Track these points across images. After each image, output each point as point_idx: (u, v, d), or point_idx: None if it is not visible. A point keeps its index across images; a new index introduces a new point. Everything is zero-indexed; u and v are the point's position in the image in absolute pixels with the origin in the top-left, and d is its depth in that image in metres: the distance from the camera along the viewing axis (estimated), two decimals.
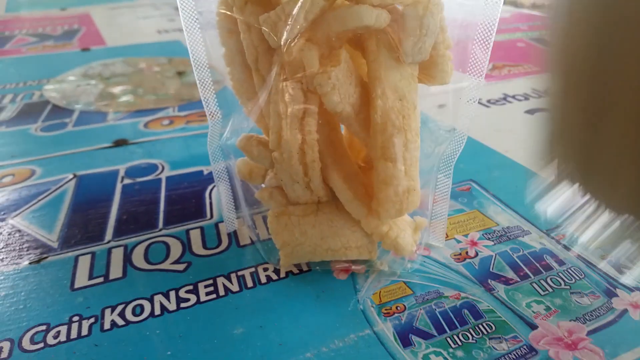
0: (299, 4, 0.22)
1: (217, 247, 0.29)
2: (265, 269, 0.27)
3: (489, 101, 0.49)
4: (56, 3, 0.92)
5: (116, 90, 0.51)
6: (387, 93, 0.24)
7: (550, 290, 0.26)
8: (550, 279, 0.27)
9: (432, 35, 0.24)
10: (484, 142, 0.41)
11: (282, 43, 0.23)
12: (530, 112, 0.47)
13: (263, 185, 0.28)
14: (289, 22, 0.22)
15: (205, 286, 0.26)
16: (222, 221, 0.30)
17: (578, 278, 0.27)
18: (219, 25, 0.25)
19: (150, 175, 0.36)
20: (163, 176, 0.35)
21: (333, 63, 0.23)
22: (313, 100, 0.24)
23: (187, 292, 0.26)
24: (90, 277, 0.27)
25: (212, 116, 0.27)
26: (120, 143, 0.40)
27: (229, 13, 0.25)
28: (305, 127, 0.24)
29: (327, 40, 0.24)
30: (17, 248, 0.29)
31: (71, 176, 0.36)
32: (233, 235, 0.30)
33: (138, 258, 0.28)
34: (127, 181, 0.35)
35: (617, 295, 0.26)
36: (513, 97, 0.50)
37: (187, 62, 0.27)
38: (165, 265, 0.27)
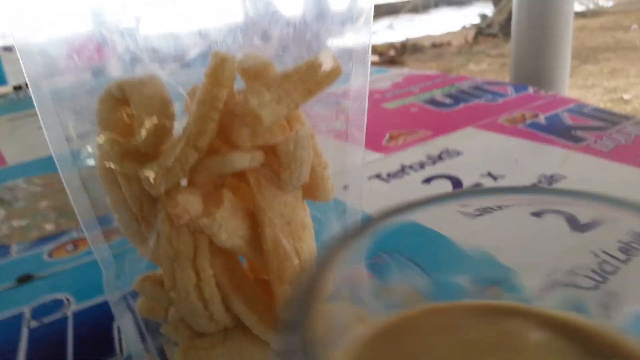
0: (175, 158, 0.23)
1: None
2: None
3: (388, 175, 0.51)
4: None
5: (19, 216, 0.50)
6: (274, 221, 0.25)
7: None
8: None
9: (307, 164, 0.25)
10: None
11: (163, 193, 0.23)
12: (426, 181, 0.50)
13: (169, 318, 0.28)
14: (168, 176, 0.23)
15: None
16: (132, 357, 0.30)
17: None
18: (101, 177, 0.26)
19: (56, 313, 0.35)
20: (70, 313, 0.35)
21: (216, 204, 0.24)
22: (202, 239, 0.25)
23: None
24: None
25: (96, 243, 0.27)
26: (25, 279, 0.39)
27: (109, 166, 0.25)
28: (199, 266, 0.25)
29: (207, 181, 0.25)
30: None
31: None
32: None
33: None
34: (33, 324, 0.34)
35: None
36: (410, 167, 0.52)
37: None
38: None
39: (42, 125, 0.26)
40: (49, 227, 0.47)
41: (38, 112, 0.25)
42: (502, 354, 0.16)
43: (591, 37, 3.81)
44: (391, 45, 4.04)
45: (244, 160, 0.23)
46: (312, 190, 0.27)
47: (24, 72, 0.25)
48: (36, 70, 0.25)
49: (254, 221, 0.26)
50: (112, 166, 0.25)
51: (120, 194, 0.26)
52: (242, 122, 0.24)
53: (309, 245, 0.26)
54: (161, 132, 0.24)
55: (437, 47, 4.22)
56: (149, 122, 0.23)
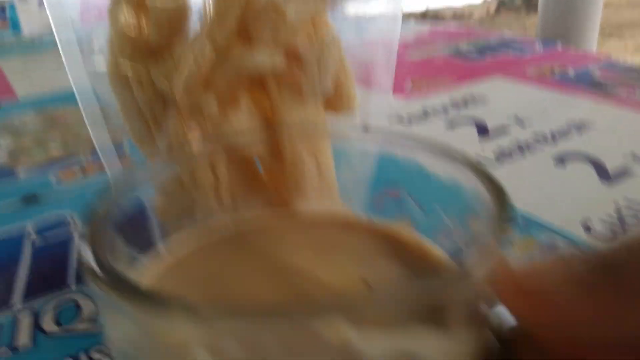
0: (191, 53, 0.21)
1: None
2: None
3: (409, 118, 0.49)
4: None
5: (27, 144, 0.49)
6: (294, 133, 0.24)
7: None
8: None
9: (331, 71, 0.23)
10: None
11: (177, 93, 0.22)
12: (450, 124, 0.48)
13: None
14: (183, 73, 0.22)
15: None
16: None
17: None
18: (111, 80, 0.24)
19: (61, 230, 0.34)
20: (74, 230, 0.34)
21: (232, 107, 0.23)
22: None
23: (97, 351, 0.24)
24: None
25: (112, 166, 0.26)
26: (30, 199, 0.38)
27: (118, 66, 0.24)
28: (217, 170, 0.23)
29: (224, 84, 0.23)
30: None
31: None
32: None
33: (48, 322, 0.26)
34: (36, 239, 0.33)
35: None
36: (433, 111, 0.50)
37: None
38: (76, 326, 0.26)
39: (62, 54, 0.26)
40: (58, 152, 0.46)
41: (59, 47, 0.26)
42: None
43: (616, 14, 3.70)
44: (411, 15, 3.97)
45: (265, 57, 0.22)
46: (334, 102, 0.25)
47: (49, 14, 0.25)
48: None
49: (274, 133, 0.24)
50: (122, 65, 0.23)
51: (130, 98, 0.24)
52: (265, 17, 0.22)
53: (328, 159, 0.25)
54: (175, 21, 0.22)
55: (458, 18, 4.14)
56: (163, 9, 0.21)
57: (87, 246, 0.13)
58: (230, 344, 0.10)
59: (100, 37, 0.25)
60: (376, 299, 0.10)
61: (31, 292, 0.29)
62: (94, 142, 0.27)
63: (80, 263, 0.13)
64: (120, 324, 0.13)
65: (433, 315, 0.12)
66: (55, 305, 0.27)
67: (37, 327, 0.26)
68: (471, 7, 4.43)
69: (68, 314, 0.27)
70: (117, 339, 0.13)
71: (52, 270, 0.30)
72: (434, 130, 0.47)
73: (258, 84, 0.25)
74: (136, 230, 0.18)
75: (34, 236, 0.34)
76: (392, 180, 0.21)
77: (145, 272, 0.17)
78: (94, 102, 0.27)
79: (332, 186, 0.24)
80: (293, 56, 0.23)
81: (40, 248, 0.33)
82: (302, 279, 0.16)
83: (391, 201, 0.21)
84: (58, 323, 0.26)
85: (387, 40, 0.27)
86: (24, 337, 0.25)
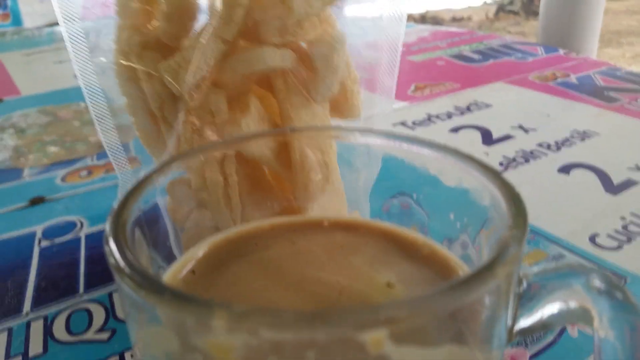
0: (199, 49, 0.21)
1: None
2: None
3: (414, 123, 0.49)
4: None
5: (32, 143, 0.48)
6: (303, 137, 0.24)
7: None
8: None
9: (339, 72, 0.23)
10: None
11: (185, 90, 0.22)
12: (454, 130, 0.48)
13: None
14: (191, 69, 0.22)
15: (132, 355, 0.24)
16: None
17: None
18: (118, 74, 0.24)
19: (68, 234, 0.34)
20: (82, 234, 0.33)
21: (242, 110, 0.23)
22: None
23: None
24: (7, 357, 0.24)
25: (122, 168, 0.26)
26: (36, 201, 0.38)
27: (126, 60, 0.23)
28: (226, 170, 0.23)
29: (233, 82, 0.23)
30: None
31: None
32: None
33: (59, 330, 0.26)
34: (45, 243, 0.33)
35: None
36: (437, 116, 0.50)
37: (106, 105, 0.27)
38: (89, 335, 0.25)
39: (71, 55, 0.25)
40: (63, 153, 0.46)
41: (68, 45, 0.25)
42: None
43: (615, 21, 3.70)
44: (410, 17, 3.96)
45: (274, 56, 0.22)
46: (339, 106, 0.25)
47: (57, 9, 0.25)
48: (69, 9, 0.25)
49: (281, 137, 0.24)
50: (131, 59, 0.23)
51: (138, 93, 0.24)
52: (271, 14, 0.22)
53: (333, 160, 0.24)
54: (184, 17, 0.22)
55: (457, 21, 4.13)
56: (172, 5, 0.21)
57: (116, 249, 0.13)
58: (268, 352, 0.10)
59: (108, 31, 0.25)
60: (417, 310, 0.10)
61: (41, 298, 0.28)
62: (101, 139, 0.27)
63: (113, 267, 0.12)
64: (149, 326, 0.12)
65: (457, 333, 0.12)
66: (67, 313, 0.27)
67: (48, 334, 0.26)
68: (470, 10, 4.42)
69: (79, 321, 0.26)
70: (146, 342, 0.13)
71: (62, 276, 0.30)
72: (438, 135, 0.47)
73: (266, 86, 0.25)
74: (155, 232, 0.18)
75: (42, 240, 0.33)
76: (399, 184, 0.21)
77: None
78: (102, 98, 0.27)
79: (338, 189, 0.24)
80: (301, 55, 0.23)
81: (49, 253, 0.32)
82: (324, 286, 0.16)
83: (398, 205, 0.21)
84: (69, 331, 0.26)
85: (390, 42, 0.27)
86: (36, 345, 0.25)
